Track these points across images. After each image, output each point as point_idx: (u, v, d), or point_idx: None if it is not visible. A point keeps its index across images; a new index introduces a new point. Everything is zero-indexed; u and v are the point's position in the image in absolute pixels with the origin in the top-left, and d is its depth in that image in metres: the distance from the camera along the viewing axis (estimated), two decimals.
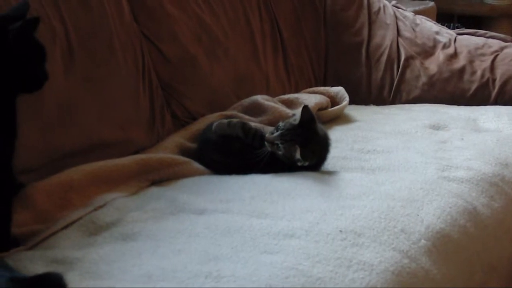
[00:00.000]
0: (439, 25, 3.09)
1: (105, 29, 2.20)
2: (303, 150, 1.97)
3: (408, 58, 2.90)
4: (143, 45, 2.33)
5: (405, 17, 3.04)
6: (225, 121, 2.12)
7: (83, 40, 2.12)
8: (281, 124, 2.02)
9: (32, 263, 1.57)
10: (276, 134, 2.00)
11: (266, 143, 2.01)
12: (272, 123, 2.28)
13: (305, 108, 2.04)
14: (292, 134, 1.99)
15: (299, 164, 1.99)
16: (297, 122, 2.01)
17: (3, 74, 1.63)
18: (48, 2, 2.07)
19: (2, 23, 1.67)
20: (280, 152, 1.99)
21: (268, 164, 2.01)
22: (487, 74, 2.80)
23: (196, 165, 2.10)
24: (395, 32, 2.97)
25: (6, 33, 1.64)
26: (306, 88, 2.79)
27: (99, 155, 2.05)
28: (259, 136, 2.07)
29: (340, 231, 1.65)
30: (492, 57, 2.85)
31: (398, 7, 3.11)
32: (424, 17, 3.12)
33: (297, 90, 2.77)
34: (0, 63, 1.64)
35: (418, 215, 1.79)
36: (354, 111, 2.65)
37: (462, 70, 2.83)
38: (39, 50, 1.70)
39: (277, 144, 1.99)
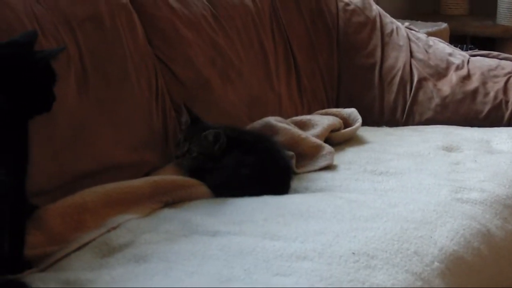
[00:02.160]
0: (452, 46, 3.09)
1: (119, 52, 2.21)
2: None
3: (421, 80, 2.90)
4: (157, 67, 2.35)
5: (418, 38, 3.04)
6: None
7: (97, 63, 2.14)
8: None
9: (45, 285, 1.57)
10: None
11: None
12: (284, 144, 2.29)
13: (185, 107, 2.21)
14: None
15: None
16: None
17: (19, 98, 1.65)
18: (63, 25, 2.09)
19: (30, 50, 1.70)
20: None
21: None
22: (500, 96, 2.79)
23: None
24: (408, 53, 2.97)
25: (34, 58, 1.67)
26: (319, 109, 2.79)
27: (112, 177, 2.06)
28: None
29: (353, 253, 1.64)
30: (505, 78, 2.85)
31: (411, 29, 3.12)
32: (437, 38, 3.13)
33: (309, 112, 2.77)
34: (20, 87, 1.65)
35: (431, 237, 1.79)
36: (367, 132, 2.65)
37: (475, 92, 2.83)
38: (51, 73, 1.72)
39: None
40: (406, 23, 3.21)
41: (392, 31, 3.04)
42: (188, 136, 2.17)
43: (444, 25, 4.16)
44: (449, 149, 2.47)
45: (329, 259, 1.62)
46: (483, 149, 2.47)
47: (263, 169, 2.10)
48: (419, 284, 1.61)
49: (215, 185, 2.09)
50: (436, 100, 2.85)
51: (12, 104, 1.62)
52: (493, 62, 2.95)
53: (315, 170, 2.27)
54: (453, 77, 2.89)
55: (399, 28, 3.07)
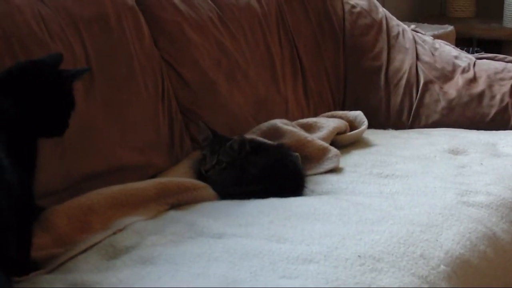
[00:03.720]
0: (458, 49, 3.09)
1: (125, 54, 2.22)
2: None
3: (427, 83, 2.89)
4: (163, 69, 2.35)
5: (424, 41, 3.04)
6: None
7: (104, 64, 2.14)
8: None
9: (52, 287, 1.57)
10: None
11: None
12: (290, 147, 2.29)
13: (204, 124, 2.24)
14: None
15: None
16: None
17: (36, 115, 1.66)
18: (70, 27, 2.09)
19: (55, 70, 1.71)
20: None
21: None
22: (507, 99, 2.79)
23: None
24: (414, 56, 2.97)
25: (59, 78, 1.69)
26: (325, 112, 2.79)
27: (118, 179, 2.06)
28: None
29: (359, 256, 1.64)
30: (511, 81, 2.84)
31: (417, 32, 3.12)
32: (443, 41, 3.12)
33: (315, 114, 2.77)
34: (40, 104, 1.66)
35: (437, 240, 1.79)
36: (373, 135, 2.65)
37: (481, 95, 2.83)
38: (72, 99, 1.73)
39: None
40: (412, 26, 3.21)
41: (398, 33, 3.04)
42: (215, 149, 2.17)
43: (450, 27, 4.16)
44: (455, 152, 2.47)
45: (335, 262, 1.62)
46: (489, 152, 2.47)
47: (273, 169, 2.11)
48: (425, 287, 1.61)
49: (222, 183, 2.10)
50: (442, 103, 2.85)
51: (27, 120, 1.63)
52: (499, 65, 2.95)
53: (321, 173, 2.28)
54: (459, 80, 2.88)
55: (405, 30, 3.07)
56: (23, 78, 1.67)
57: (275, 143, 2.31)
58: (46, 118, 1.68)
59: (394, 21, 3.10)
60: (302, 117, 2.68)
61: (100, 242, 1.79)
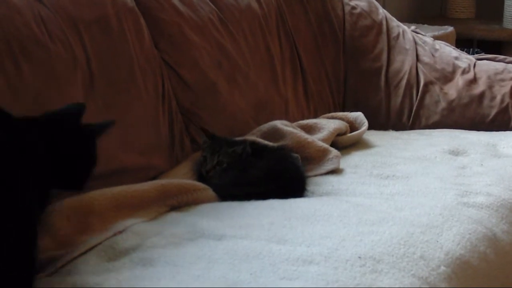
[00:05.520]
0: (459, 50, 3.09)
1: (125, 56, 2.22)
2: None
3: (427, 84, 2.90)
4: (163, 71, 2.35)
5: (424, 42, 3.04)
6: None
7: (104, 66, 2.14)
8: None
9: None
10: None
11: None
12: (291, 148, 2.29)
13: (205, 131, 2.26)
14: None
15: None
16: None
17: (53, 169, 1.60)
18: (70, 29, 2.09)
19: (78, 122, 1.67)
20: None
21: None
22: (507, 100, 2.79)
23: None
24: (414, 57, 2.97)
25: (83, 133, 1.65)
26: (325, 113, 2.80)
27: (119, 180, 2.06)
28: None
29: (359, 257, 1.64)
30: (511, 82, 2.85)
31: (417, 33, 3.12)
32: (443, 42, 3.13)
33: (316, 116, 2.77)
34: (59, 159, 1.61)
35: (437, 241, 1.79)
36: (373, 136, 2.65)
37: (481, 96, 2.83)
38: (94, 154, 1.69)
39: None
40: (413, 27, 3.21)
41: (398, 34, 3.04)
42: (215, 149, 2.18)
43: (450, 28, 4.16)
44: (455, 153, 2.47)
45: (335, 263, 1.62)
46: (489, 153, 2.47)
47: (274, 171, 2.11)
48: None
49: (222, 184, 2.10)
50: (443, 104, 2.85)
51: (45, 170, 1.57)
52: (499, 65, 2.95)
53: (321, 174, 2.28)
54: (459, 80, 2.89)
55: (406, 31, 3.07)
56: (48, 129, 1.60)
57: (276, 144, 2.31)
58: (65, 172, 1.62)
59: (394, 22, 3.10)
60: (302, 118, 2.68)
61: (100, 243, 1.79)
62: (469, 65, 2.94)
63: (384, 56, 2.98)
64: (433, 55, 2.98)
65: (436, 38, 3.21)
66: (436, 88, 2.88)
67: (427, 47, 3.02)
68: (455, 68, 2.93)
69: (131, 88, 2.21)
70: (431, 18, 4.70)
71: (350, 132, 2.59)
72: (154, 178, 2.17)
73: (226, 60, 2.52)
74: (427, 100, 2.87)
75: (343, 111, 2.85)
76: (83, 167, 1.67)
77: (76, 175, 1.67)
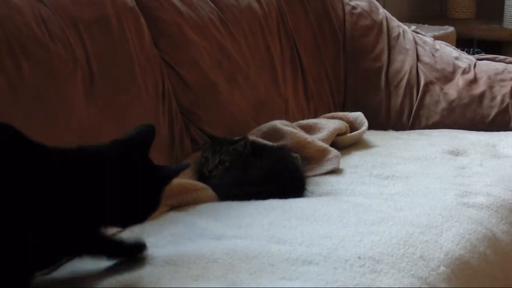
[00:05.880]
0: (459, 50, 3.09)
1: (126, 55, 2.22)
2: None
3: (428, 84, 2.90)
4: (163, 70, 2.35)
5: (424, 42, 3.04)
6: None
7: (104, 66, 2.14)
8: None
9: None
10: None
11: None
12: (290, 148, 2.29)
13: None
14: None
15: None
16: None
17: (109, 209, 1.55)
18: (70, 28, 2.09)
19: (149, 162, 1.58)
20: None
21: None
22: (507, 100, 2.79)
23: None
24: (415, 57, 2.97)
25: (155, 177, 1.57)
26: (325, 113, 2.80)
27: None
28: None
29: (359, 257, 1.64)
30: None
31: (417, 33, 3.12)
32: (443, 42, 3.13)
33: (316, 116, 2.78)
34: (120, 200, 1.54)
35: (437, 241, 1.79)
36: (373, 136, 2.65)
37: (481, 96, 2.83)
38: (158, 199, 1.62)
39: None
40: (413, 27, 3.21)
41: (398, 34, 3.04)
42: (216, 149, 2.18)
43: (450, 28, 4.16)
44: (455, 153, 2.47)
45: (334, 263, 1.62)
46: (489, 153, 2.47)
47: (274, 171, 2.11)
48: None
49: (222, 184, 2.10)
50: (443, 104, 2.85)
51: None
52: (499, 65, 2.95)
53: (321, 174, 2.28)
54: (459, 81, 2.88)
55: (406, 31, 3.07)
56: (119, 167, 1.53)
57: (276, 144, 2.31)
58: (122, 213, 1.56)
59: (395, 22, 3.10)
60: (302, 118, 2.68)
61: None
62: (470, 65, 2.94)
63: (385, 56, 2.98)
64: (433, 55, 2.98)
65: (436, 38, 3.21)
66: (436, 88, 2.88)
67: (427, 47, 3.02)
68: (455, 68, 2.93)
69: (131, 87, 2.21)
70: (431, 18, 4.70)
71: (350, 132, 2.59)
72: None
73: (226, 60, 2.52)
74: (427, 100, 2.87)
75: (343, 111, 2.85)
76: (145, 212, 1.61)
77: (132, 219, 1.61)
